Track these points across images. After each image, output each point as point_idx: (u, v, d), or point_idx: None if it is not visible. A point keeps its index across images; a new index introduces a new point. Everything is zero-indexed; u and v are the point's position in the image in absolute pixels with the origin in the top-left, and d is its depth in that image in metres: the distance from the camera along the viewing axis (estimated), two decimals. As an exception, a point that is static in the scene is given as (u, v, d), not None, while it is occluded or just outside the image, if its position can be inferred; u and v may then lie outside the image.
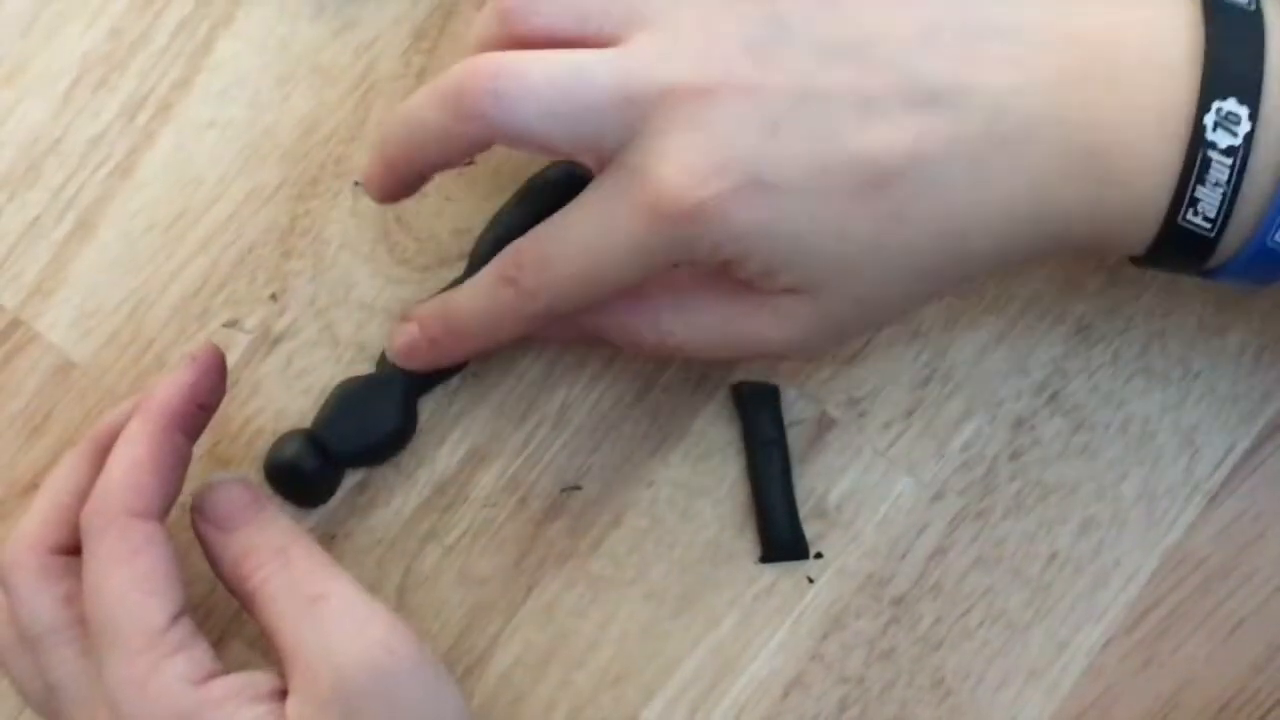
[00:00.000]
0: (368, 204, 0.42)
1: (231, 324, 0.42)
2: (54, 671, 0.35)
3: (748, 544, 0.42)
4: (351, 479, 0.41)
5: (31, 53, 0.42)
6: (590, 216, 0.35)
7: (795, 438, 0.42)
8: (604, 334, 0.38)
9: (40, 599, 0.36)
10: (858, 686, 0.42)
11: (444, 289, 0.41)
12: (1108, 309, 0.42)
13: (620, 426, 0.42)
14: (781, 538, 0.41)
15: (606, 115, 0.34)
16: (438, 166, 0.37)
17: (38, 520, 0.37)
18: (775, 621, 0.42)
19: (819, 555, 0.42)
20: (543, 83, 0.33)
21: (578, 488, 0.42)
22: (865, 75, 0.33)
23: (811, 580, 0.42)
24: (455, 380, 0.41)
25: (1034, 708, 0.42)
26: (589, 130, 0.34)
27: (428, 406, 0.41)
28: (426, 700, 0.35)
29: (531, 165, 0.41)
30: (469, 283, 0.38)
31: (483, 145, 0.35)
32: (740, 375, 0.42)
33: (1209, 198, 0.33)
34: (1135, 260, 0.36)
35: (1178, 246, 0.34)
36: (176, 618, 0.35)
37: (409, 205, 0.42)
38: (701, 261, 0.35)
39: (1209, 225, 0.33)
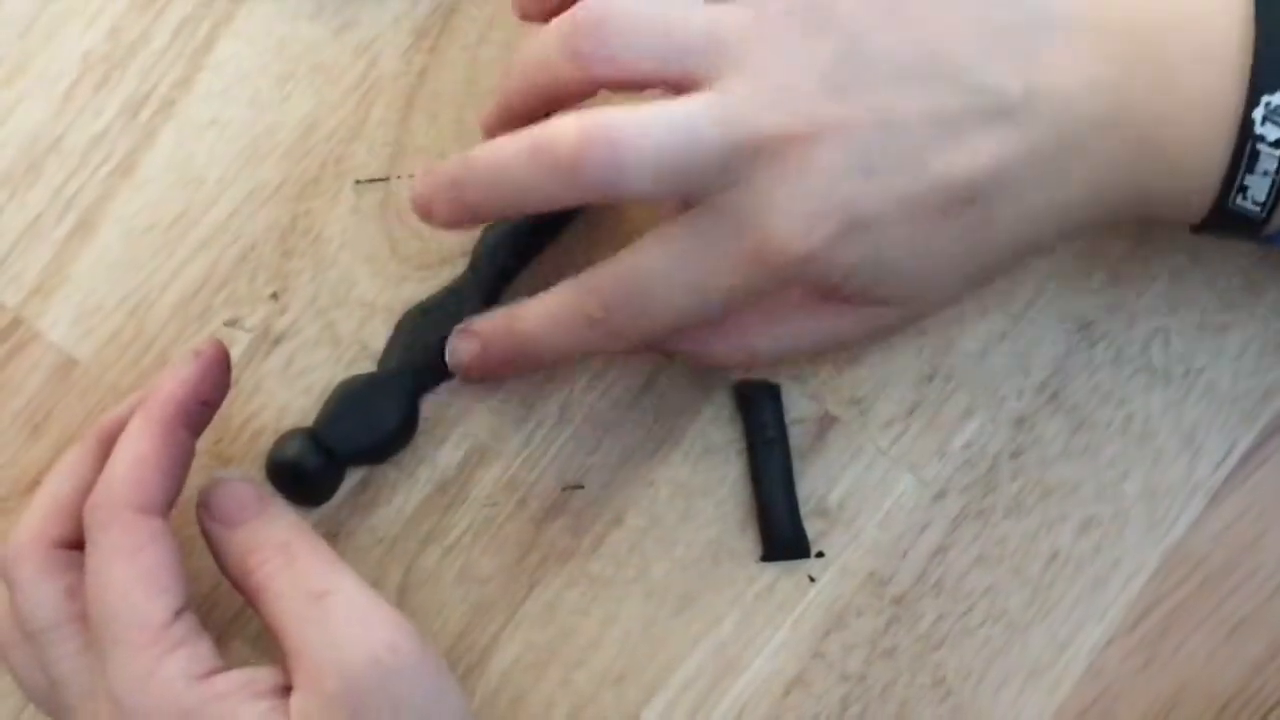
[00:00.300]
0: (368, 203, 0.42)
1: (232, 323, 0.42)
2: (56, 666, 0.35)
3: (749, 543, 0.42)
4: (353, 478, 0.41)
5: (32, 52, 0.42)
6: (689, 259, 0.35)
7: (797, 436, 0.42)
8: (689, 357, 0.39)
9: (42, 593, 0.36)
10: (859, 685, 0.42)
11: (447, 287, 0.41)
12: (1109, 307, 0.42)
13: (621, 426, 0.42)
14: (783, 536, 0.41)
15: (712, 168, 0.34)
16: (517, 215, 0.39)
17: (40, 514, 0.37)
18: (776, 620, 0.42)
19: (820, 554, 0.42)
20: (657, 150, 0.34)
21: (579, 487, 0.42)
22: (940, 95, 0.35)
23: (813, 579, 0.42)
24: (456, 380, 0.41)
25: (1035, 707, 0.42)
26: (695, 185, 0.35)
27: (429, 406, 0.41)
28: (429, 697, 0.35)
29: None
30: (539, 307, 0.37)
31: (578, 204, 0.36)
32: (742, 374, 0.42)
33: (1258, 185, 0.35)
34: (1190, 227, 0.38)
35: (1228, 223, 0.36)
36: (179, 613, 0.35)
37: (410, 204, 0.42)
38: (794, 291, 0.37)
39: (1258, 208, 0.35)
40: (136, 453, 0.36)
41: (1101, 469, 0.42)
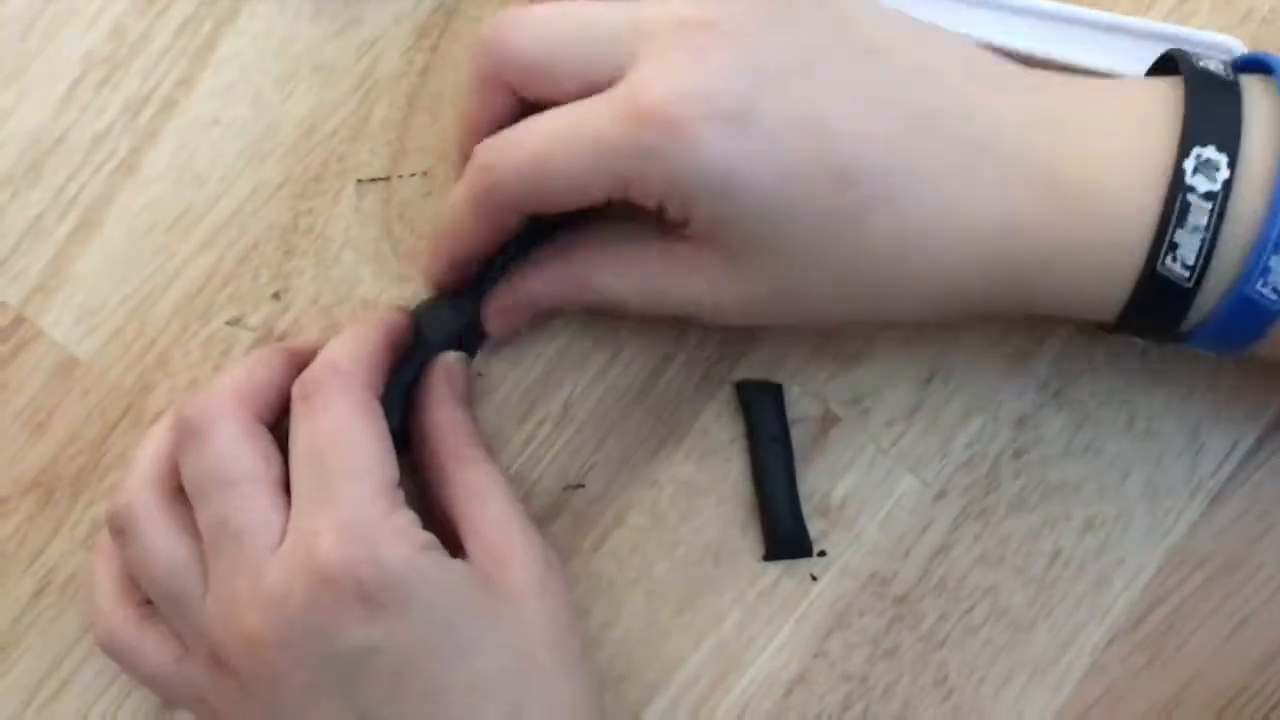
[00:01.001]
0: (370, 202, 0.42)
1: (235, 322, 0.42)
2: (240, 517, 0.36)
3: (751, 542, 0.42)
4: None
5: (34, 51, 0.42)
6: (569, 110, 0.34)
7: (799, 436, 0.42)
8: (542, 299, 0.39)
9: (246, 446, 0.36)
10: (861, 685, 0.42)
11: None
12: (1111, 306, 0.42)
13: (623, 425, 0.42)
14: (785, 535, 0.41)
15: (604, 44, 0.34)
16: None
17: (232, 388, 0.38)
18: (778, 619, 0.42)
19: (822, 553, 0.42)
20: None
21: (581, 486, 0.42)
22: (869, 75, 0.34)
23: (815, 578, 0.42)
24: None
25: (1038, 706, 0.42)
26: (592, 63, 0.34)
27: (430, 404, 0.41)
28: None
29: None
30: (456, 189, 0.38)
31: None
32: (744, 373, 0.42)
33: (1188, 243, 0.33)
34: (1106, 327, 0.37)
35: (1154, 299, 0.34)
36: (398, 486, 0.37)
37: (411, 202, 0.42)
38: (651, 193, 0.34)
39: (1187, 273, 0.34)
40: (372, 342, 0.38)
41: (1104, 468, 0.42)
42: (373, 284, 0.42)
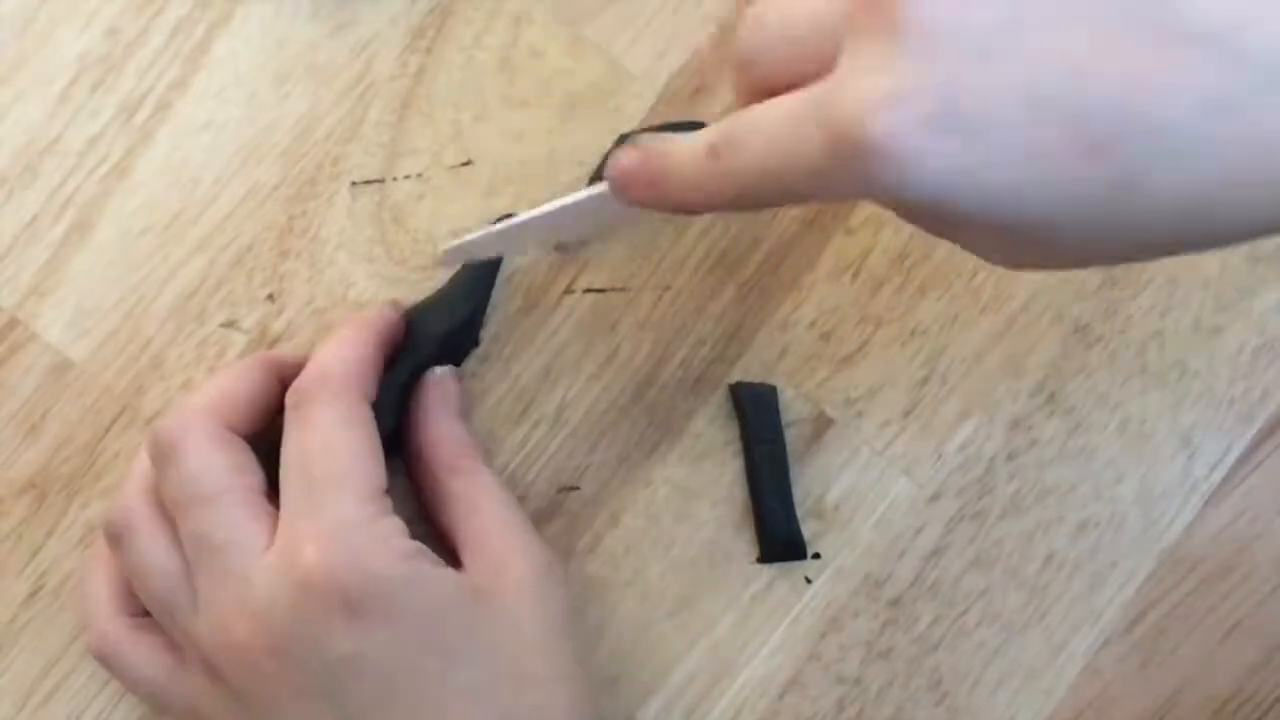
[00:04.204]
0: (365, 204, 0.42)
1: (229, 324, 0.42)
2: (220, 531, 0.36)
3: (745, 544, 0.42)
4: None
5: (29, 52, 0.42)
6: (788, 123, 0.29)
7: (793, 438, 0.42)
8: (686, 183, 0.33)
9: (217, 459, 0.36)
10: (855, 687, 0.42)
11: (438, 290, 0.41)
12: (1105, 309, 0.42)
13: (618, 426, 0.42)
14: (779, 538, 0.41)
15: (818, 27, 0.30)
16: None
17: (208, 400, 0.38)
18: (772, 622, 0.42)
19: (816, 555, 0.42)
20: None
21: (575, 488, 0.42)
22: (1110, 2, 0.26)
23: (809, 580, 0.42)
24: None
25: (1031, 708, 0.42)
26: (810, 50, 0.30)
27: (425, 407, 0.41)
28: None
29: (533, 167, 0.41)
30: (689, 137, 0.32)
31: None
32: (738, 376, 0.42)
33: None
34: None
35: None
36: (385, 493, 0.37)
37: (406, 205, 0.42)
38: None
39: None
40: (360, 351, 0.38)
41: (1098, 471, 0.42)
42: (366, 286, 0.42)
